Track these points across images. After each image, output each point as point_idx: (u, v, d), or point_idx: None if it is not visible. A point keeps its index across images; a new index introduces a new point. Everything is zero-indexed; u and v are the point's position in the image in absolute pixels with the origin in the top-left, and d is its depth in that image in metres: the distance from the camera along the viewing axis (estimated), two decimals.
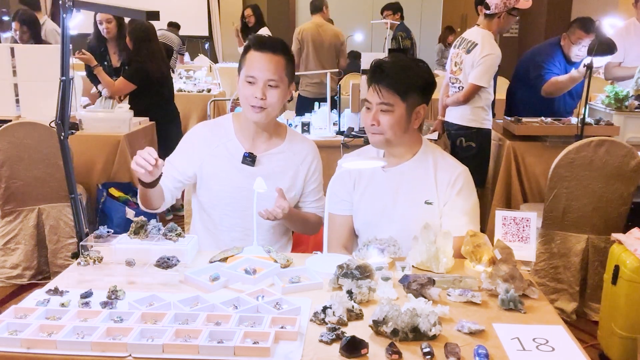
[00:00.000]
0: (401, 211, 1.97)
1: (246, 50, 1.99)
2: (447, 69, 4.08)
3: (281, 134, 2.12)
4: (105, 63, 4.55)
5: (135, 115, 3.96)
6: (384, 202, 1.99)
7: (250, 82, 1.95)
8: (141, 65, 4.33)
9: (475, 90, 3.72)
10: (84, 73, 4.84)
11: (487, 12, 3.72)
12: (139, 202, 2.02)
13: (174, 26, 8.31)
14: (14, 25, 4.77)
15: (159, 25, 7.88)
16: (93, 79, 4.70)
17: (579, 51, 3.84)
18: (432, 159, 1.99)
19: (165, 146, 4.16)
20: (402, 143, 1.96)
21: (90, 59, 4.29)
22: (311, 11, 5.69)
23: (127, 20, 4.45)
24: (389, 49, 4.36)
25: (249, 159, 2.02)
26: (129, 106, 3.97)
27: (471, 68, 3.72)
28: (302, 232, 2.27)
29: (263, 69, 1.94)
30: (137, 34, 4.33)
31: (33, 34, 4.76)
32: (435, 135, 4.09)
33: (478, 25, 3.85)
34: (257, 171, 2.00)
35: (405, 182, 1.97)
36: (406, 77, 1.87)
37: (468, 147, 3.82)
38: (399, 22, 6.31)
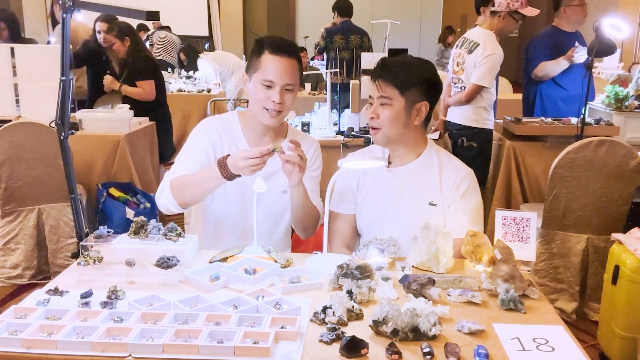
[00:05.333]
0: (405, 211, 1.96)
1: (259, 51, 1.93)
2: (449, 69, 4.10)
3: (283, 132, 2.11)
4: (108, 72, 4.60)
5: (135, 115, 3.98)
6: (388, 202, 1.99)
7: (267, 86, 1.91)
8: (147, 57, 4.48)
9: (478, 91, 3.72)
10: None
11: (492, 8, 3.74)
12: (172, 201, 1.90)
13: (167, 29, 8.36)
14: None
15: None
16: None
17: (584, 14, 3.99)
18: (437, 159, 1.99)
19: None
20: (404, 141, 1.96)
21: (112, 82, 4.42)
22: None
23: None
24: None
25: None
26: (129, 106, 3.99)
27: (473, 68, 3.73)
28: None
29: (281, 74, 1.89)
30: (126, 29, 4.39)
31: (12, 32, 4.78)
32: (436, 135, 4.09)
33: (479, 25, 3.86)
34: (261, 171, 1.99)
35: (409, 182, 1.97)
36: (407, 72, 1.89)
37: (469, 147, 3.83)
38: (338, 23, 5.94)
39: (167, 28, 8.41)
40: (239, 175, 1.81)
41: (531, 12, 3.71)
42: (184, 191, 1.90)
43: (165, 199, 1.93)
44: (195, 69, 7.12)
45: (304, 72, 6.53)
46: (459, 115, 3.89)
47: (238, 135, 2.05)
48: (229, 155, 1.80)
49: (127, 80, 4.41)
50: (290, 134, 2.12)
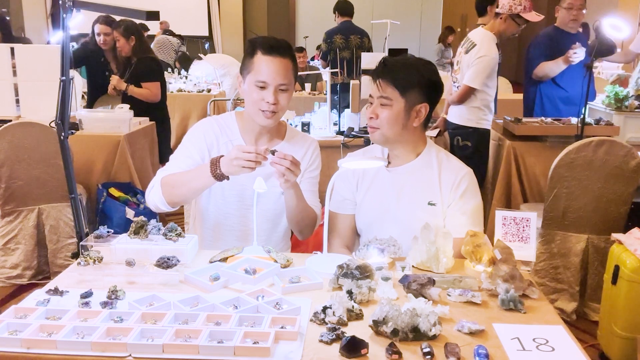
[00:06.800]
0: (404, 211, 1.96)
1: (252, 52, 1.93)
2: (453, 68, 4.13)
3: (281, 132, 2.11)
4: (107, 73, 4.60)
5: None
6: (387, 202, 1.99)
7: (261, 87, 1.91)
8: (153, 58, 4.47)
9: (469, 92, 3.73)
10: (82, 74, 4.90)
11: (495, 10, 3.75)
12: (161, 199, 1.91)
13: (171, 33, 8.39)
14: None
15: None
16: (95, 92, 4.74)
17: (572, 17, 3.97)
18: (436, 159, 1.99)
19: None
20: (403, 141, 1.96)
21: (119, 83, 4.39)
22: None
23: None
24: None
25: None
26: (129, 106, 3.99)
27: (467, 68, 3.74)
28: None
29: (274, 74, 1.89)
30: (132, 27, 4.37)
31: (4, 32, 4.79)
32: (434, 132, 4.10)
33: (484, 25, 3.86)
34: (259, 172, 1.99)
35: (409, 182, 1.98)
36: (407, 74, 1.89)
37: (464, 146, 3.84)
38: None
39: (180, 37, 8.42)
40: (227, 178, 1.81)
41: (534, 17, 3.68)
42: (173, 189, 1.90)
43: (154, 196, 1.92)
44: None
45: (305, 72, 6.52)
46: (455, 115, 3.91)
47: (235, 136, 2.05)
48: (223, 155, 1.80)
49: (131, 81, 4.40)
50: (289, 134, 2.12)
